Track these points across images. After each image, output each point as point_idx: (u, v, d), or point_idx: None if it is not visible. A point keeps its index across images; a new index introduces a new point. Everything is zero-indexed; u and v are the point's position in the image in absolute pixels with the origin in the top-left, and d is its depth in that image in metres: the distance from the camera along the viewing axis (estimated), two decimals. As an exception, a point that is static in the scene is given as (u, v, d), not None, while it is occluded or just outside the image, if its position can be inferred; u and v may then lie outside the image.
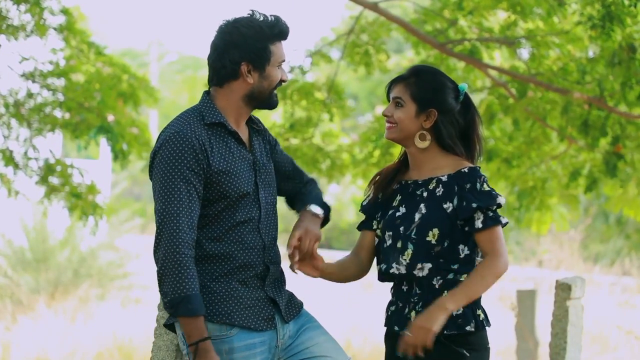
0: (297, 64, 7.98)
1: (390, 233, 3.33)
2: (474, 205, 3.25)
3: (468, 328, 3.25)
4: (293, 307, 3.34)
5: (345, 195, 25.68)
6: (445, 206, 3.28)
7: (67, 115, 7.39)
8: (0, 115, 7.37)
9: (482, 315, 3.31)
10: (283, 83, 3.32)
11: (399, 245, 3.30)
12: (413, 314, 3.27)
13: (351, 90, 26.59)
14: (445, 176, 3.32)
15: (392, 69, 11.00)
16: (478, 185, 3.28)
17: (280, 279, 3.35)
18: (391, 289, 3.38)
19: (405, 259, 3.28)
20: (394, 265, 3.30)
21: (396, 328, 3.30)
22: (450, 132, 3.35)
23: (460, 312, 3.26)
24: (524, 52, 7.17)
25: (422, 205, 3.31)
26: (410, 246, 3.27)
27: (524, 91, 6.89)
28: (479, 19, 6.98)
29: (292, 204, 3.52)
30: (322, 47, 8.21)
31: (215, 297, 3.18)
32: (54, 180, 7.41)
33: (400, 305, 3.32)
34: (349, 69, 8.31)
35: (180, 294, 3.07)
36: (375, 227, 3.42)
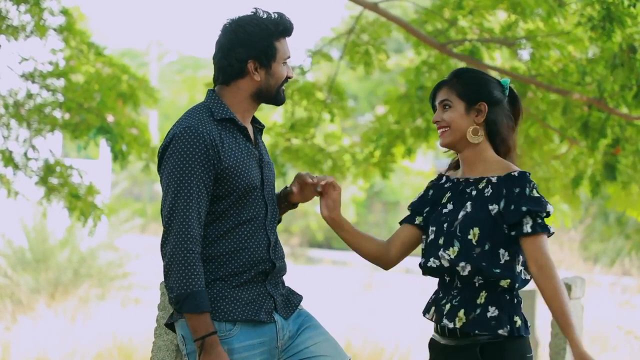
0: (298, 63, 7.98)
1: (434, 228, 3.32)
2: (524, 209, 3.22)
3: (501, 332, 3.23)
4: (290, 303, 3.34)
5: (345, 195, 25.67)
6: (490, 207, 3.27)
7: (66, 116, 7.39)
8: (0, 116, 7.37)
9: (519, 322, 3.26)
10: (289, 79, 3.34)
11: (440, 241, 3.28)
12: (448, 306, 3.26)
13: (351, 90, 26.59)
14: (495, 177, 3.30)
15: (392, 69, 11.00)
16: (527, 190, 3.26)
17: (282, 274, 3.36)
18: (437, 277, 3.39)
19: (449, 254, 3.25)
20: (431, 259, 3.30)
21: (427, 316, 3.34)
22: (503, 125, 3.34)
23: (497, 314, 3.24)
24: (525, 53, 7.16)
25: (468, 204, 3.30)
26: (457, 243, 3.26)
27: (524, 92, 6.89)
28: (480, 20, 6.98)
29: None
30: (323, 47, 8.21)
31: (217, 295, 3.19)
32: (54, 180, 7.41)
33: (440, 295, 3.32)
34: (349, 69, 8.31)
35: (186, 290, 3.08)
36: (417, 222, 3.42)
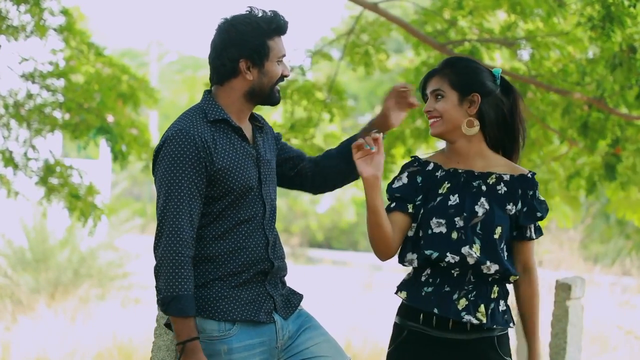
0: (297, 63, 7.98)
1: (442, 221, 3.22)
2: (539, 215, 3.25)
3: (511, 325, 3.28)
4: (290, 303, 3.34)
5: (345, 196, 25.67)
6: (508, 207, 3.25)
7: (66, 116, 7.40)
8: (0, 116, 7.37)
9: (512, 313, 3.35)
10: (285, 78, 3.31)
11: (454, 235, 3.21)
12: (463, 301, 3.21)
13: (351, 90, 26.58)
14: (508, 176, 3.27)
15: (392, 69, 11.00)
16: (537, 193, 3.28)
17: (282, 274, 3.35)
18: (426, 269, 3.26)
19: (475, 252, 3.20)
20: (449, 254, 3.20)
21: (435, 310, 3.20)
22: (492, 117, 3.29)
23: (505, 308, 3.26)
24: (524, 53, 7.16)
25: (483, 200, 3.24)
26: (478, 241, 3.21)
27: (524, 92, 6.89)
28: (479, 20, 6.98)
29: (313, 177, 3.48)
30: (323, 47, 8.21)
31: (216, 295, 3.19)
32: (54, 180, 7.42)
33: (448, 289, 3.22)
34: (349, 69, 8.31)
35: (172, 293, 3.09)
36: (410, 209, 3.27)
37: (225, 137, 3.22)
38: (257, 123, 3.37)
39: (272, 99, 3.30)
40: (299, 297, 3.40)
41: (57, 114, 7.44)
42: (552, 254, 14.72)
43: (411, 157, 3.37)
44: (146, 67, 31.87)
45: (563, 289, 4.78)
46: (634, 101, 6.14)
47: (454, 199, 3.24)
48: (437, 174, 3.30)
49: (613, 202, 7.96)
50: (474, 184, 3.27)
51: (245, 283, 3.22)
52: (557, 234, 14.81)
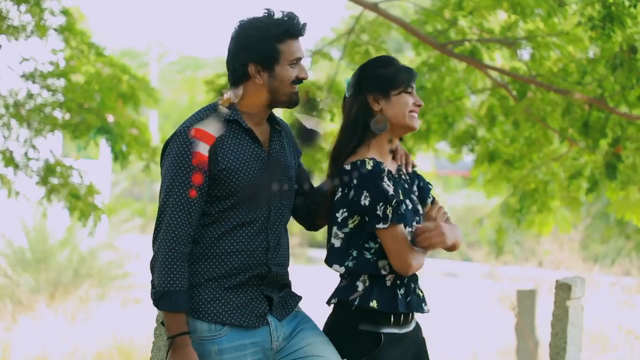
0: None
1: (411, 229, 3.26)
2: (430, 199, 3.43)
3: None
4: (287, 305, 3.33)
5: (345, 195, 25.64)
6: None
7: (67, 116, 7.41)
8: (1, 116, 7.38)
9: None
10: (302, 80, 3.28)
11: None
12: (420, 293, 3.35)
13: (351, 90, 26.49)
14: (396, 167, 3.37)
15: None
16: None
17: (283, 280, 3.33)
18: (389, 273, 3.27)
19: None
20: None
21: (420, 309, 3.33)
22: None
23: None
24: (525, 53, 7.17)
25: (413, 197, 3.36)
26: None
27: (524, 92, 6.89)
28: (480, 20, 6.98)
29: (307, 217, 3.44)
30: (323, 47, 8.21)
31: (208, 296, 3.19)
32: (54, 180, 7.42)
33: (412, 286, 3.32)
34: (349, 68, 8.31)
35: (164, 288, 3.11)
36: None
37: (234, 138, 3.21)
38: (277, 126, 3.35)
39: (287, 102, 3.28)
40: (297, 298, 3.38)
41: (57, 114, 7.44)
42: (552, 255, 14.72)
43: (369, 158, 3.27)
44: (146, 67, 31.90)
45: (563, 289, 4.78)
46: (634, 100, 6.14)
47: (409, 203, 3.31)
48: (391, 176, 3.31)
49: (613, 203, 7.95)
50: (405, 185, 3.36)
51: (239, 286, 3.21)
52: (557, 234, 14.80)
